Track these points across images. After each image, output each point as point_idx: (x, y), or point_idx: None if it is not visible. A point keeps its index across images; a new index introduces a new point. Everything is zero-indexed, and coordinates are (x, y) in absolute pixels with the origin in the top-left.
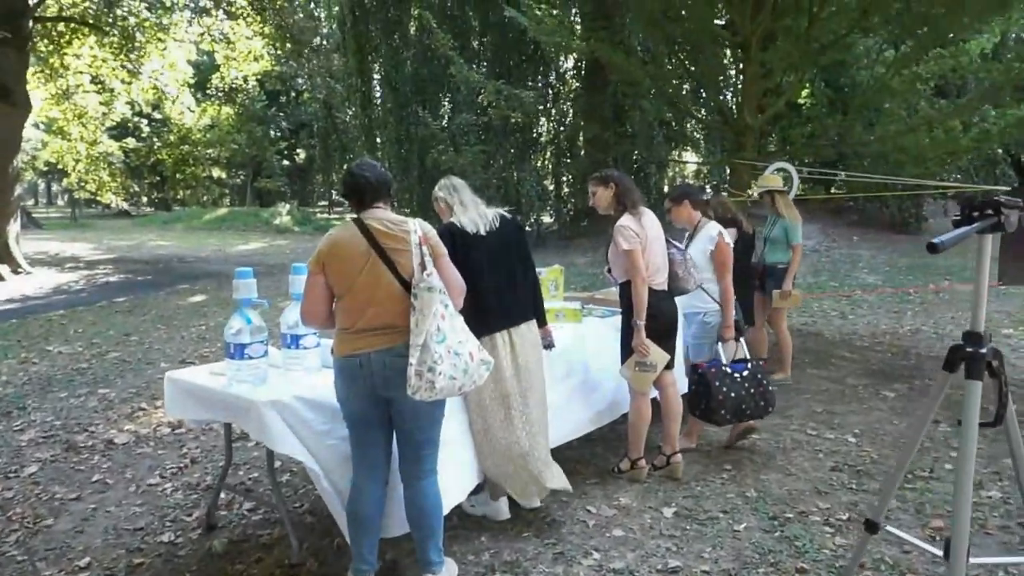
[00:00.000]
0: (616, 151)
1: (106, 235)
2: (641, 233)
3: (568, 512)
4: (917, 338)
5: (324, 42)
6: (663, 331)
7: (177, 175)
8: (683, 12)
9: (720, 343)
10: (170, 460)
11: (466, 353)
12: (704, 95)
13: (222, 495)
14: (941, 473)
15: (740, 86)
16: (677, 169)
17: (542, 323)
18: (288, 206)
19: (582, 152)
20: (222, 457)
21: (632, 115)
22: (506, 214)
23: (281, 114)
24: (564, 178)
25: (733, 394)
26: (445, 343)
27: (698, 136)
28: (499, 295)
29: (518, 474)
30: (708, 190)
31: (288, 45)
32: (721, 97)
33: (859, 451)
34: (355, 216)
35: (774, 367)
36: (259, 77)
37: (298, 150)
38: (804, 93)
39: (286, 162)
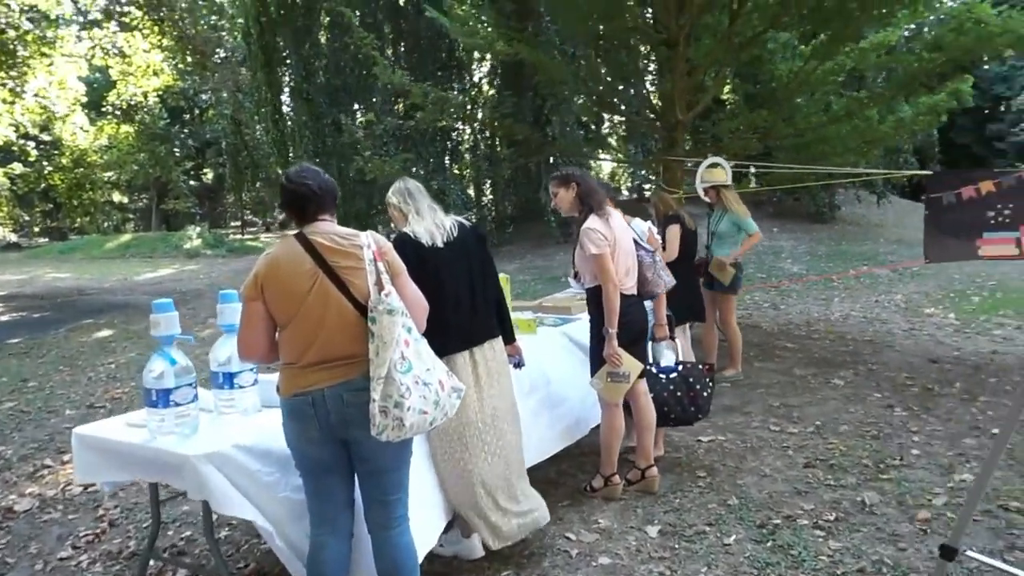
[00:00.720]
0: (537, 155)
1: None
2: (609, 235)
3: (546, 542)
4: (849, 323)
5: (230, 54)
6: (634, 337)
7: (72, 201)
8: (609, 10)
9: (651, 343)
10: (84, 526)
11: (435, 382)
12: (632, 93)
13: (151, 563)
14: (911, 459)
15: (667, 83)
16: (596, 168)
17: (509, 340)
18: (198, 228)
19: (502, 158)
20: (147, 517)
21: (552, 118)
22: (464, 222)
23: (185, 131)
24: (485, 184)
25: (656, 398)
26: (411, 373)
27: (616, 137)
28: (458, 312)
29: (489, 510)
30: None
31: (190, 58)
32: (646, 93)
33: (826, 444)
34: (296, 232)
35: (724, 363)
36: (160, 93)
37: (205, 169)
38: (725, 89)
39: (193, 182)
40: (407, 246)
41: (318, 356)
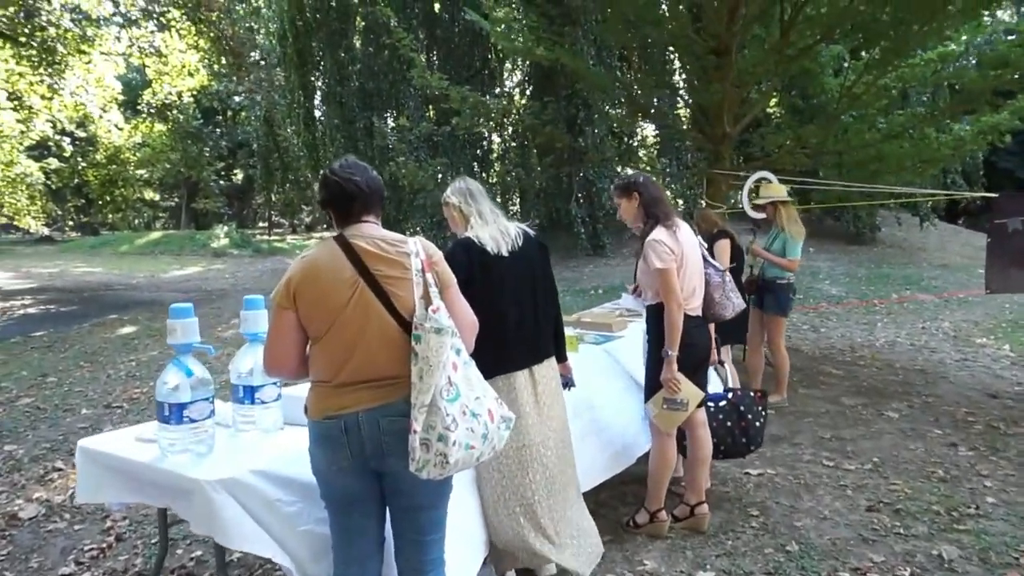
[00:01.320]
0: (570, 165)
1: (25, 262)
2: (677, 249)
3: None
4: (896, 351)
5: (264, 57)
6: (696, 363)
7: (105, 197)
8: (658, 16)
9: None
10: (89, 539)
11: (484, 412)
12: (673, 104)
13: None
14: (987, 508)
15: (715, 94)
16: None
17: (561, 358)
18: (226, 228)
19: (536, 167)
20: (156, 532)
21: (585, 128)
22: (528, 230)
23: (217, 132)
24: (514, 194)
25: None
26: (459, 401)
27: (644, 150)
28: (521, 327)
29: (531, 538)
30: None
31: (224, 60)
32: (691, 104)
33: (888, 485)
34: (336, 234)
35: (767, 388)
36: (194, 93)
37: (236, 170)
38: (772, 102)
39: (223, 182)
40: (472, 252)
41: (354, 376)
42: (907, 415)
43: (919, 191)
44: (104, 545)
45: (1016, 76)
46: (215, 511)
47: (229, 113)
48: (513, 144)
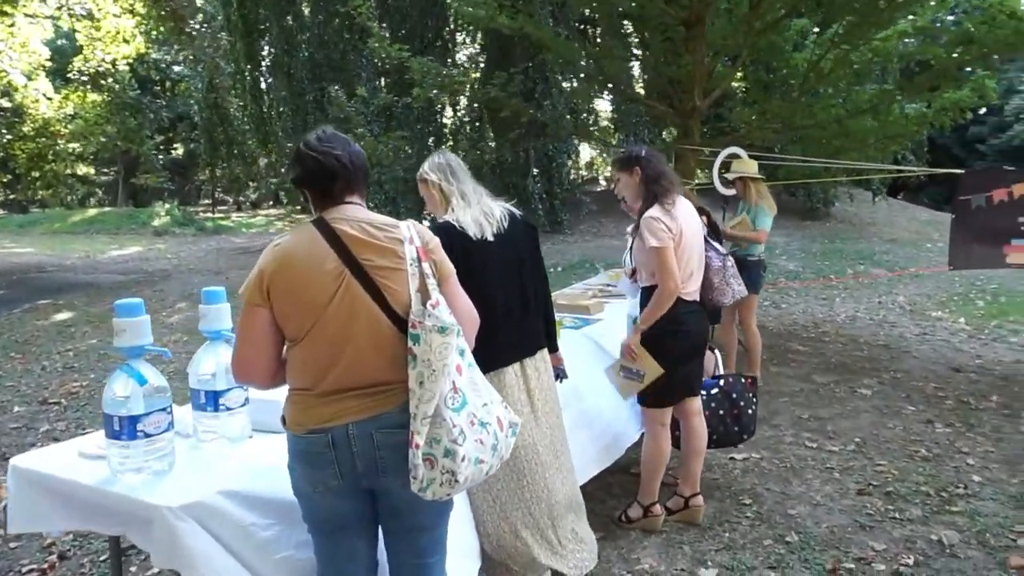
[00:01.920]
0: (525, 141)
1: None
2: (674, 228)
3: None
4: (858, 326)
5: (207, 23)
6: (691, 351)
7: (33, 172)
8: None
9: None
10: (28, 557)
11: (493, 421)
12: (639, 76)
13: None
14: (975, 488)
15: (685, 66)
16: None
17: (552, 348)
18: (167, 205)
19: (490, 140)
20: (105, 548)
21: (544, 102)
22: (514, 210)
23: (158, 102)
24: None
25: None
26: (466, 410)
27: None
28: (509, 317)
29: (530, 548)
30: None
31: (163, 25)
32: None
33: (874, 466)
34: (316, 217)
35: (740, 367)
36: (130, 61)
37: (175, 144)
38: (738, 76)
39: (161, 157)
40: (453, 237)
41: (341, 382)
42: (879, 392)
43: (889, 167)
44: (45, 565)
45: (982, 53)
46: (179, 541)
47: (168, 83)
48: (467, 119)
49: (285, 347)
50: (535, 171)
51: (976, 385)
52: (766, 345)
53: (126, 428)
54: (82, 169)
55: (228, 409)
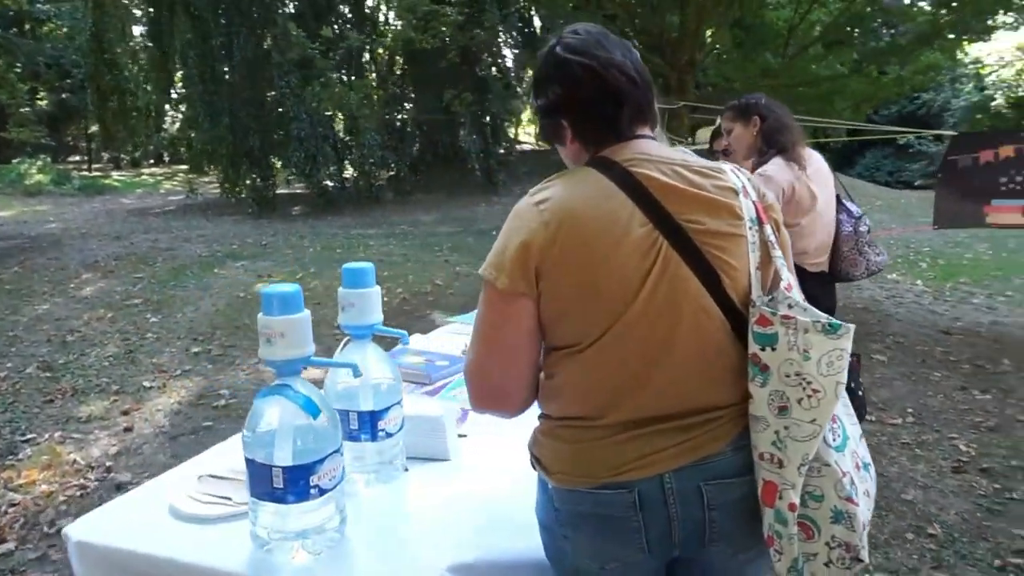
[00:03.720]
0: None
1: None
2: (799, 188)
3: None
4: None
5: None
6: None
7: None
8: None
9: None
10: None
11: (868, 455)
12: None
13: None
14: None
15: (688, 14)
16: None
17: None
18: (39, 162)
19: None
20: None
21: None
22: None
23: (27, 42)
24: (399, 118)
25: None
26: (848, 449)
27: None
28: None
29: None
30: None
31: None
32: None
33: (948, 440)
34: (597, 157)
35: None
36: None
37: (40, 93)
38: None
39: (26, 108)
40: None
41: (647, 409)
42: (894, 358)
43: (888, 128)
44: None
45: (960, 18)
46: None
47: (34, 22)
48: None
49: (542, 356)
50: (472, 128)
51: (976, 348)
52: None
53: (291, 485)
54: None
55: (388, 436)
